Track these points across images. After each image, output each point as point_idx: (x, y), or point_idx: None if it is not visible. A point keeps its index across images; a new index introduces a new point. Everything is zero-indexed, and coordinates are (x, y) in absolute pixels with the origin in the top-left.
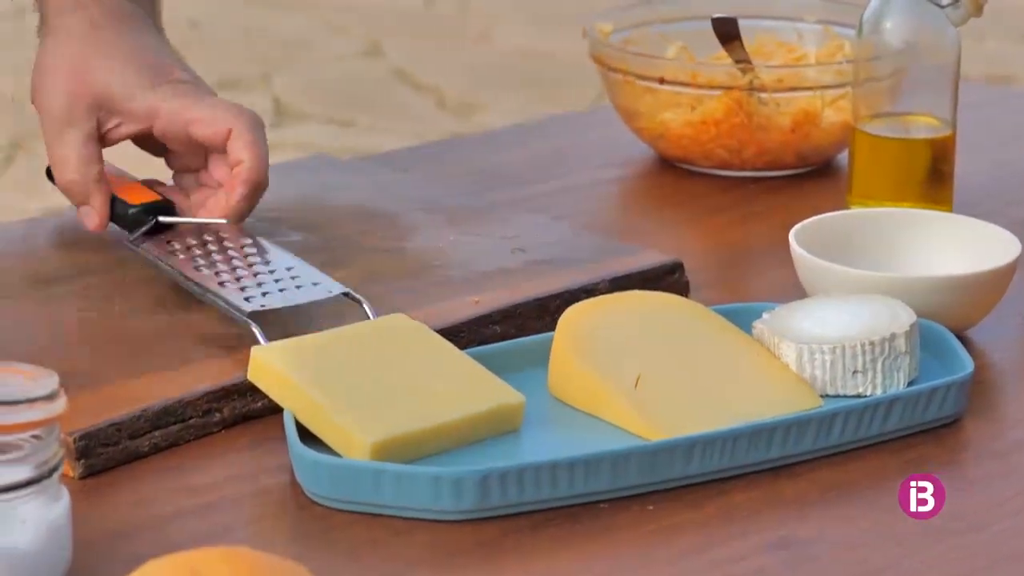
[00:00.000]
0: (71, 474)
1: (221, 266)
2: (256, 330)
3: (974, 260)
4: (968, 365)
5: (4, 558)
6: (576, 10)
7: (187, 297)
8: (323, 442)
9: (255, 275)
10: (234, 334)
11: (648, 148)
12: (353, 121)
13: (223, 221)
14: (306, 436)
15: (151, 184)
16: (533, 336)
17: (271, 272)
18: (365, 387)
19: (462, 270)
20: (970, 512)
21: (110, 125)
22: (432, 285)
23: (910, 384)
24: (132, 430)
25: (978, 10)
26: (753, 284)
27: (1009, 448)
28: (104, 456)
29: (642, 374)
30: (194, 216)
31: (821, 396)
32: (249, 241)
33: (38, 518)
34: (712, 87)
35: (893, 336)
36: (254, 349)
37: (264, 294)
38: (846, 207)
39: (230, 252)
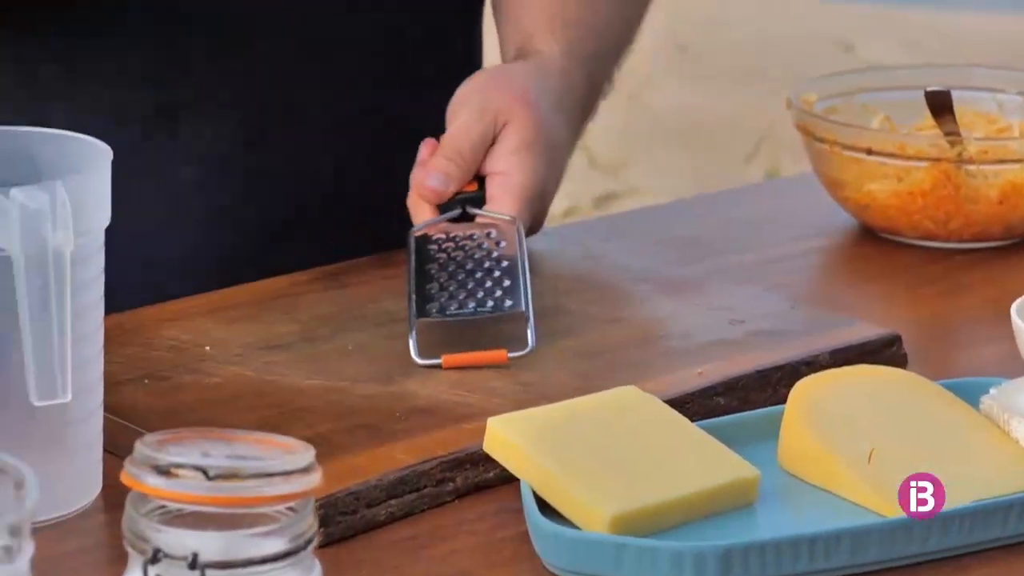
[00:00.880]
0: None
1: (457, 276)
2: (412, 341)
3: None
4: None
5: None
6: (724, 69)
7: (413, 367)
8: (559, 512)
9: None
10: (463, 403)
11: (849, 217)
12: None
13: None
14: (541, 507)
15: None
16: (760, 410)
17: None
18: (601, 459)
19: (683, 341)
20: None
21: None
22: (656, 356)
23: None
24: (370, 499)
25: None
26: (967, 358)
27: None
28: (343, 525)
29: (875, 449)
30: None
31: None
32: (506, 263)
33: None
34: (920, 159)
35: None
36: (490, 420)
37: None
38: None
39: (475, 266)
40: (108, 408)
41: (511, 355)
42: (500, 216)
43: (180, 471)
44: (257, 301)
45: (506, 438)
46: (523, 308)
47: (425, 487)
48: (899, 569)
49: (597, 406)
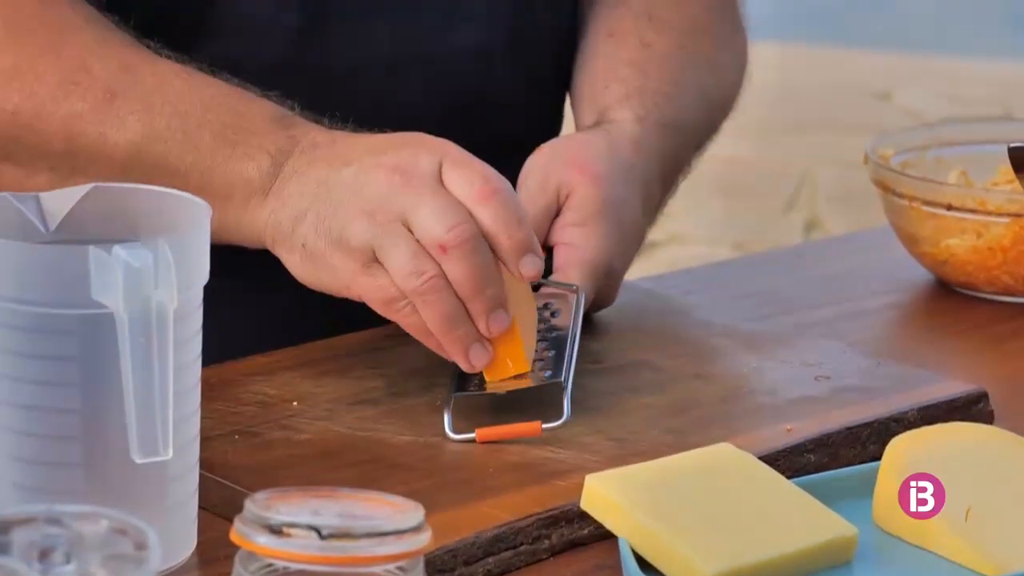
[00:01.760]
0: None
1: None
2: (447, 415)
3: None
4: None
5: None
6: (761, 118)
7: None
8: (657, 570)
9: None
10: (555, 459)
11: (926, 272)
12: None
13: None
14: (640, 565)
15: None
16: (853, 467)
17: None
18: (699, 516)
19: (770, 397)
20: None
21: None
22: (744, 412)
23: None
24: (467, 556)
25: None
26: None
27: None
28: None
29: (971, 506)
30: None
31: None
32: (555, 334)
33: None
34: (1000, 214)
35: None
36: (588, 478)
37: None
38: None
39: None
40: (200, 464)
41: (545, 427)
42: (564, 285)
43: (292, 530)
44: (343, 355)
45: (605, 495)
46: (561, 379)
47: (521, 544)
48: None
49: (693, 463)
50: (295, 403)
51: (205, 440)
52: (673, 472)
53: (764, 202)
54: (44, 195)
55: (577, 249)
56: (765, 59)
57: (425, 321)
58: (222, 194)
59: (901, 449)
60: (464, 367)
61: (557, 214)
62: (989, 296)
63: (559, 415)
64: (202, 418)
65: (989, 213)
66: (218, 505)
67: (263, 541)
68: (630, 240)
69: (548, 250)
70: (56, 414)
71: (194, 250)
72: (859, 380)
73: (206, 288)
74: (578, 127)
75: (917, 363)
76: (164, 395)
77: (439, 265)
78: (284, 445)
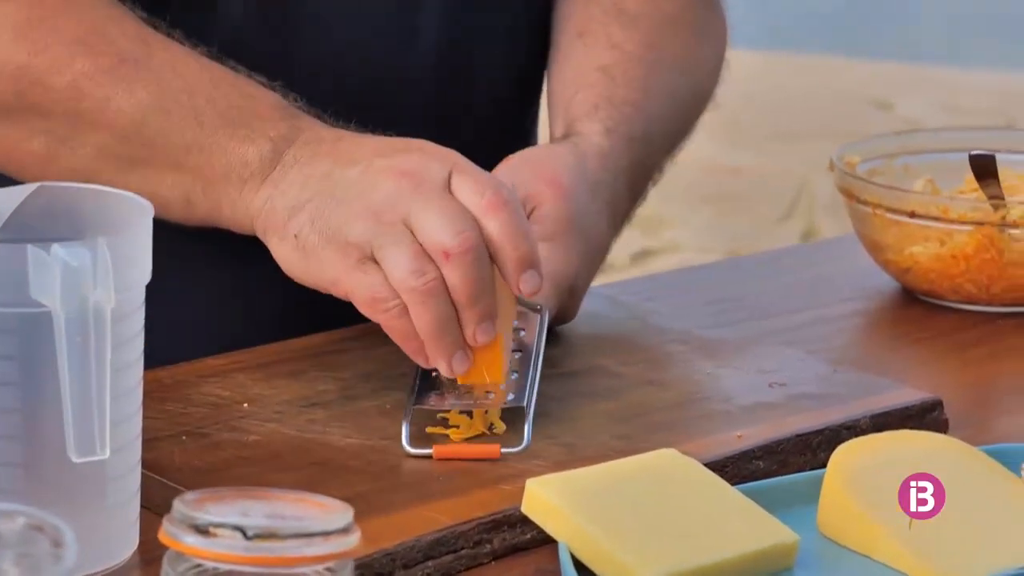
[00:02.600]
0: None
1: None
2: (404, 428)
3: None
4: None
5: None
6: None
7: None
8: (596, 575)
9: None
10: (502, 464)
11: (890, 279)
12: None
13: (538, 306)
14: (579, 569)
15: None
16: (799, 474)
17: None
18: (641, 521)
19: (724, 404)
20: None
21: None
22: (695, 418)
23: None
24: (406, 560)
25: None
26: (1009, 423)
27: None
28: None
29: None
30: None
31: None
32: (518, 355)
33: None
34: (964, 222)
35: None
36: (529, 482)
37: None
38: None
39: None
40: (145, 464)
41: (504, 451)
42: (528, 304)
43: (219, 530)
44: (297, 358)
45: (545, 500)
46: (523, 403)
47: (462, 548)
48: None
49: (637, 468)
50: (246, 405)
51: (153, 440)
52: (615, 477)
53: (762, 211)
54: None
55: (543, 263)
56: (765, 68)
57: (416, 324)
58: (219, 174)
59: (847, 456)
60: (443, 372)
61: None
62: (952, 304)
63: (520, 439)
64: (152, 418)
65: (952, 221)
66: (161, 506)
67: (190, 541)
68: (595, 255)
69: None
70: None
71: (135, 250)
72: (815, 387)
73: (192, 287)
74: (551, 134)
75: (879, 371)
76: (101, 395)
77: (439, 270)
78: (232, 447)
